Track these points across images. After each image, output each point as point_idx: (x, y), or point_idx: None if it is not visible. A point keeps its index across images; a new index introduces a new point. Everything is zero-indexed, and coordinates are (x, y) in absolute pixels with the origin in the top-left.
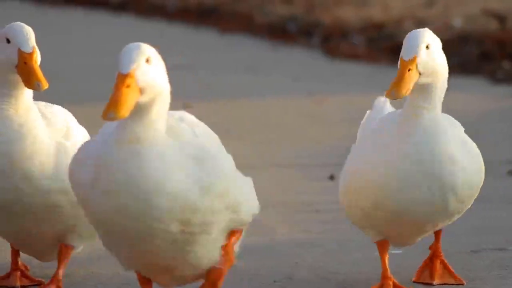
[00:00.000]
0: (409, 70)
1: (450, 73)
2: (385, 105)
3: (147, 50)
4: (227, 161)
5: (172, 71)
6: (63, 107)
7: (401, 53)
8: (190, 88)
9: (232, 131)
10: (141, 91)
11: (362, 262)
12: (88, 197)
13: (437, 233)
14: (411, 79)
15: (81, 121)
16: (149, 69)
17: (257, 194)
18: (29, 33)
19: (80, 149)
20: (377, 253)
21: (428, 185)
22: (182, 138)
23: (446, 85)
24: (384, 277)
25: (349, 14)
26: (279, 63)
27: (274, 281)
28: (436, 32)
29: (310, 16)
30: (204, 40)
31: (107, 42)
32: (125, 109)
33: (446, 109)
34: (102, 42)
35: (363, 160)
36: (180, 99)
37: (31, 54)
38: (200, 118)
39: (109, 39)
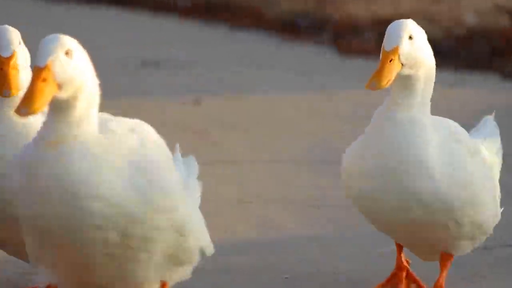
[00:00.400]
0: (390, 61)
1: (460, 68)
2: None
3: (67, 42)
4: (174, 178)
5: (183, 66)
6: None
7: (383, 43)
8: (201, 84)
9: (241, 126)
10: (59, 86)
11: (371, 258)
12: (18, 202)
13: (443, 263)
14: (392, 70)
15: None
16: (68, 63)
17: (264, 190)
18: (11, 37)
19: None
20: (385, 248)
21: (391, 183)
22: (125, 145)
23: (432, 80)
24: (398, 267)
25: (359, 10)
26: (289, 59)
27: (286, 278)
28: (446, 28)
29: (320, 12)
30: (214, 36)
31: (114, 37)
32: (39, 104)
33: (457, 104)
34: (109, 38)
35: (347, 151)
36: (191, 94)
37: (8, 59)
38: (210, 113)
39: (116, 35)
